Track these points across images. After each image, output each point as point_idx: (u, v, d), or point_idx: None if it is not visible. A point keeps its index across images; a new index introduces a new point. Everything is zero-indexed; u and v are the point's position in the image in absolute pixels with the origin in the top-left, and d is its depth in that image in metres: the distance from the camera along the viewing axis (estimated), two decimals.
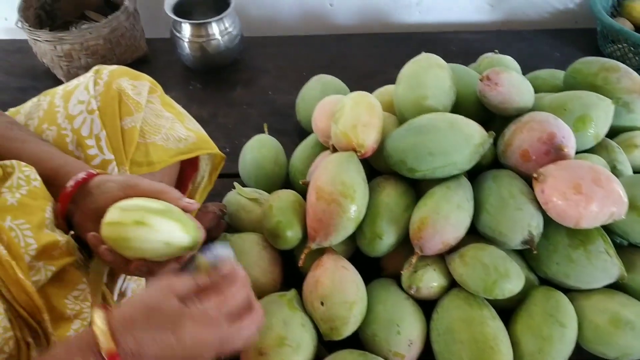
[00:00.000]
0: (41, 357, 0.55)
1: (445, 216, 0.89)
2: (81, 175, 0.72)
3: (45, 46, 1.36)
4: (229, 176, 1.20)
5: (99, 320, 0.55)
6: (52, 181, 0.73)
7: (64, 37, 1.34)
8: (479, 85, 1.00)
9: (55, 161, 0.75)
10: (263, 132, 1.26)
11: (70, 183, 0.71)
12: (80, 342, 0.55)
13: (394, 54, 1.52)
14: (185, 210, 0.69)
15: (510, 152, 0.95)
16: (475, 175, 0.99)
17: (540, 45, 1.53)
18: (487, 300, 0.91)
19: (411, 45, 1.52)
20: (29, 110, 0.89)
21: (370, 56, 1.53)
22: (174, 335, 0.55)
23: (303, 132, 1.29)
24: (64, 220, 0.72)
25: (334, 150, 1.04)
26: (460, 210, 0.90)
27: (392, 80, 1.15)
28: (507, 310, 0.92)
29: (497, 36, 1.56)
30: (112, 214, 0.65)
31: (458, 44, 1.52)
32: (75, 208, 0.72)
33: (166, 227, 0.65)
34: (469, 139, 0.92)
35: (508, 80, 0.97)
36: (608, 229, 0.93)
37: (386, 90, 1.16)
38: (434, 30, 1.64)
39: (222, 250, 0.67)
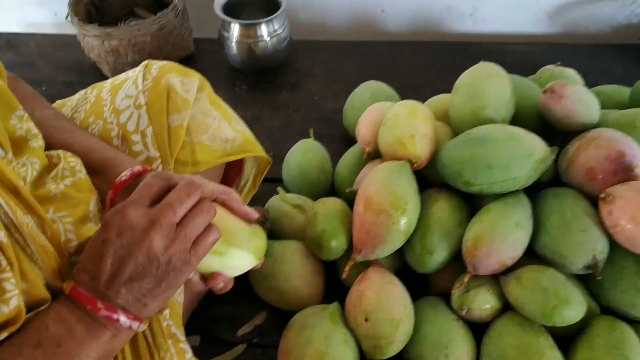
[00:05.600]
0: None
1: (503, 234, 0.84)
2: (137, 167, 0.70)
3: (93, 41, 1.35)
4: (271, 181, 1.16)
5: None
6: (100, 172, 0.71)
7: (112, 32, 1.33)
8: (541, 97, 0.94)
9: (106, 153, 0.73)
10: (308, 137, 1.22)
11: (126, 173, 0.69)
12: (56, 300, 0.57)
13: (446, 64, 1.47)
14: (243, 218, 0.66)
15: (574, 169, 0.89)
16: (532, 192, 0.94)
17: (601, 60, 1.46)
18: (544, 327, 0.85)
19: (464, 56, 1.47)
20: (76, 103, 0.88)
21: (421, 65, 1.49)
22: (103, 242, 0.55)
23: (350, 139, 1.24)
24: None
25: (368, 156, 1.01)
26: (519, 229, 0.85)
27: (443, 91, 1.12)
28: (564, 339, 0.86)
29: (555, 49, 1.50)
30: None
31: (513, 55, 1.46)
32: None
33: (239, 261, 0.64)
34: (530, 153, 0.86)
35: (574, 94, 0.92)
36: None
37: (439, 99, 1.12)
38: (488, 40, 1.58)
39: None
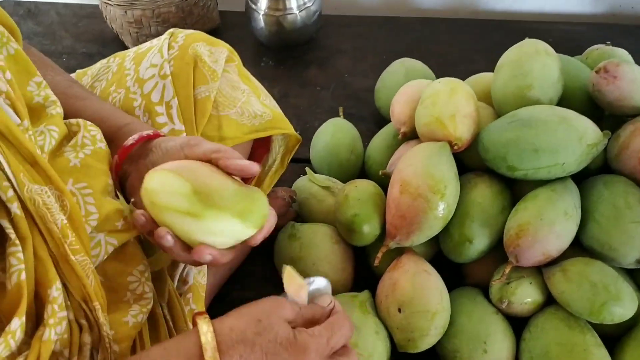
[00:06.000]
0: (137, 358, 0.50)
1: (550, 223, 0.78)
2: (147, 132, 0.64)
3: (116, 11, 1.30)
4: (298, 161, 1.11)
5: (205, 328, 0.49)
6: (113, 140, 0.66)
7: (135, 1, 1.28)
8: (592, 78, 0.87)
9: (119, 119, 0.68)
10: (337, 116, 1.16)
11: (135, 137, 0.64)
12: (180, 349, 0.49)
13: (484, 43, 1.40)
14: (239, 174, 0.58)
15: (626, 156, 0.83)
16: (578, 180, 0.87)
17: None
18: (589, 324, 0.79)
19: (503, 34, 1.40)
20: (97, 72, 0.83)
21: (456, 43, 1.42)
22: None
23: (381, 119, 1.19)
24: (117, 179, 0.64)
25: (404, 137, 0.96)
26: (567, 218, 0.79)
27: (480, 70, 1.06)
28: (611, 338, 0.81)
29: (600, 29, 1.42)
30: (157, 193, 0.55)
31: (556, 35, 1.38)
32: (132, 169, 0.64)
33: (221, 226, 0.54)
34: (581, 137, 0.80)
35: (629, 74, 0.85)
36: None
37: (479, 78, 1.05)
38: (528, 19, 1.50)
39: (320, 282, 0.59)
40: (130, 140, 0.63)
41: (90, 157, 0.61)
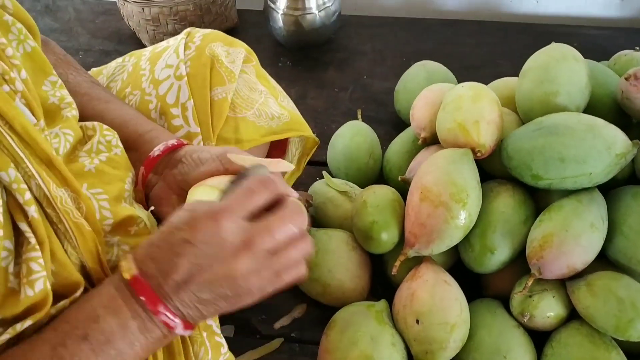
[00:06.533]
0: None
1: (576, 235, 0.75)
2: (171, 141, 0.64)
3: (134, 8, 1.29)
4: (315, 164, 1.09)
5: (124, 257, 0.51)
6: (135, 146, 0.65)
7: None
8: (621, 85, 0.84)
9: (141, 125, 0.67)
10: (355, 118, 1.14)
11: (160, 147, 0.63)
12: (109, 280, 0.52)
13: (506, 46, 1.37)
14: None
15: None
16: (603, 191, 0.84)
17: None
18: (615, 340, 0.77)
19: (526, 38, 1.37)
20: (112, 72, 0.82)
21: (478, 46, 1.39)
22: (185, 241, 0.48)
23: (400, 123, 1.16)
24: (144, 190, 0.64)
25: (424, 142, 0.94)
26: (594, 231, 0.76)
27: (503, 74, 1.03)
28: (637, 356, 0.78)
29: (627, 34, 1.38)
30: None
31: (581, 40, 1.34)
32: (157, 179, 0.64)
33: None
34: (610, 146, 0.77)
35: None
36: None
37: (503, 83, 1.02)
38: (551, 22, 1.47)
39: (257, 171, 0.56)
40: (156, 152, 0.63)
41: (105, 164, 0.60)
